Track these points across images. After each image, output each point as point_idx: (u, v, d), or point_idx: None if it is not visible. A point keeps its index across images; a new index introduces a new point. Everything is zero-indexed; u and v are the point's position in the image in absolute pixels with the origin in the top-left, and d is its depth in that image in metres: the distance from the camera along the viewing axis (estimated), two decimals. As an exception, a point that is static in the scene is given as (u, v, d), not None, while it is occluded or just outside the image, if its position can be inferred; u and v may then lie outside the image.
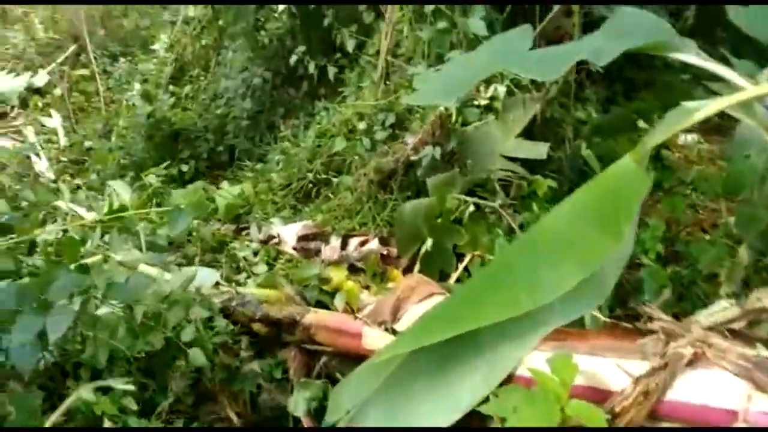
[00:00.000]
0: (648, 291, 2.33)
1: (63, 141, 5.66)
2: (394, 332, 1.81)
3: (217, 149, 4.47)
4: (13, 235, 1.90)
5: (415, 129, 3.11)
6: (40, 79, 6.24)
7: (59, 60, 6.31)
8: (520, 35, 1.71)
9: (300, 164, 3.81)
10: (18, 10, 6.62)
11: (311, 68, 3.83)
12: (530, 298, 1.07)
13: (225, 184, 4.01)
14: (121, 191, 1.87)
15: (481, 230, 2.46)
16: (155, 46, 5.83)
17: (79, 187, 5.10)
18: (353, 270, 2.68)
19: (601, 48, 1.49)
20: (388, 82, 3.52)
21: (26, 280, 1.97)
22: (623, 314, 2.33)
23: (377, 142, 3.36)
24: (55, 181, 5.12)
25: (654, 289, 2.28)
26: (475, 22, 3.18)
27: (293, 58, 3.80)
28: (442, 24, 3.25)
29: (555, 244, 1.21)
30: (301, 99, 4.57)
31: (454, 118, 2.94)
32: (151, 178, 3.49)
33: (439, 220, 2.45)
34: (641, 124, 2.98)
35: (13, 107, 6.06)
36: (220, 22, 5.27)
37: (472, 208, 2.48)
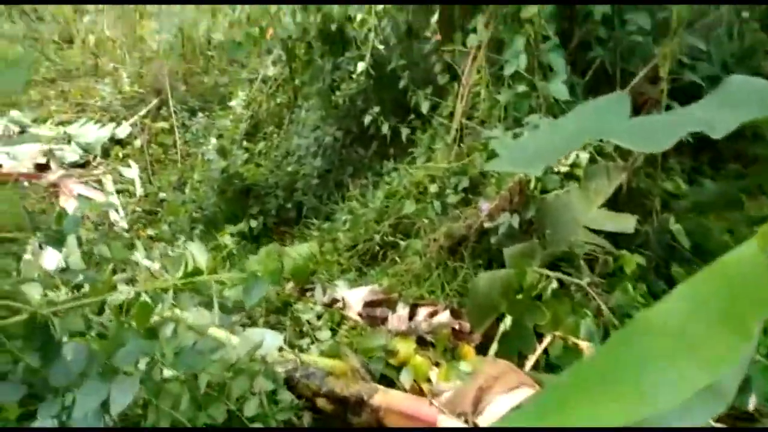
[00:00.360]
0: (756, 390, 2.06)
1: (139, 191, 5.84)
2: (474, 426, 1.63)
3: (286, 206, 4.48)
4: (85, 294, 1.87)
5: (490, 194, 2.98)
6: (123, 130, 6.55)
7: (142, 113, 6.61)
8: (616, 102, 1.58)
9: (367, 225, 3.73)
10: (109, 64, 7.04)
11: (384, 129, 3.80)
12: (646, 402, 0.91)
13: (292, 243, 3.99)
14: (197, 253, 1.81)
15: (564, 309, 2.27)
16: (232, 103, 6.00)
17: (151, 238, 5.22)
18: (422, 343, 2.53)
19: (714, 119, 1.34)
20: (461, 145, 3.43)
21: (94, 339, 1.93)
22: (725, 414, 2.07)
23: (449, 206, 3.25)
24: (128, 230, 5.26)
25: (764, 390, 2.01)
26: (557, 86, 3.07)
27: (367, 119, 3.79)
28: (521, 87, 3.16)
29: (671, 340, 1.04)
30: (370, 158, 4.55)
31: (532, 184, 2.80)
32: (226, 239, 3.48)
33: (520, 296, 2.28)
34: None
35: (95, 156, 6.34)
36: (296, 81, 5.39)
37: (555, 284, 2.30)
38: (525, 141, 1.89)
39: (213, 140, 5.42)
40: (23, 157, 6.09)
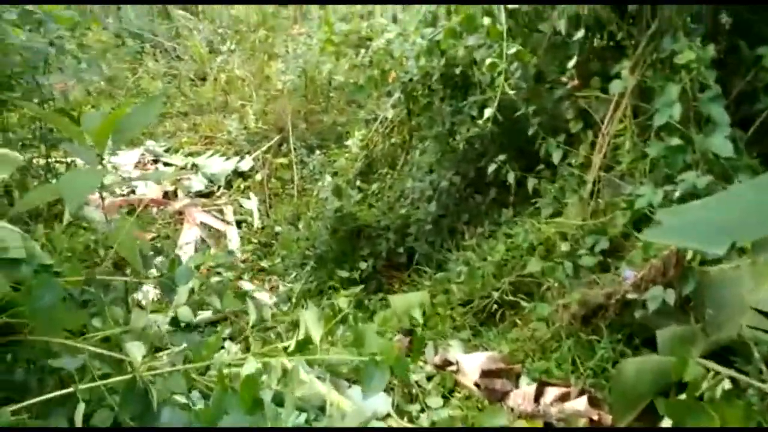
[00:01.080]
0: None
1: (257, 223, 5.91)
2: None
3: (397, 250, 4.26)
4: (189, 358, 1.72)
5: (635, 261, 2.56)
6: (246, 163, 6.72)
7: (264, 148, 6.75)
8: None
9: (485, 280, 3.41)
10: (237, 101, 7.32)
11: (510, 178, 3.49)
12: None
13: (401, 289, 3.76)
14: (310, 322, 1.60)
15: (735, 415, 1.82)
16: (348, 142, 5.96)
17: (264, 270, 5.22)
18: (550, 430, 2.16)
19: None
20: (599, 200, 3.04)
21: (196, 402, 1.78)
22: None
23: (582, 269, 2.86)
24: (244, 261, 5.29)
25: None
26: (720, 140, 2.63)
27: (491, 167, 3.50)
28: (674, 140, 2.75)
29: None
30: (488, 206, 4.24)
31: (690, 254, 2.37)
32: (342, 302, 3.32)
33: (682, 396, 1.86)
34: None
35: (219, 187, 6.53)
36: (413, 123, 5.24)
37: (727, 384, 1.86)
38: (695, 210, 1.51)
39: (328, 178, 5.37)
40: (155, 185, 6.40)
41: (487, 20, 3.24)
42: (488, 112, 3.12)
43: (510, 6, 3.28)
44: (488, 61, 3.26)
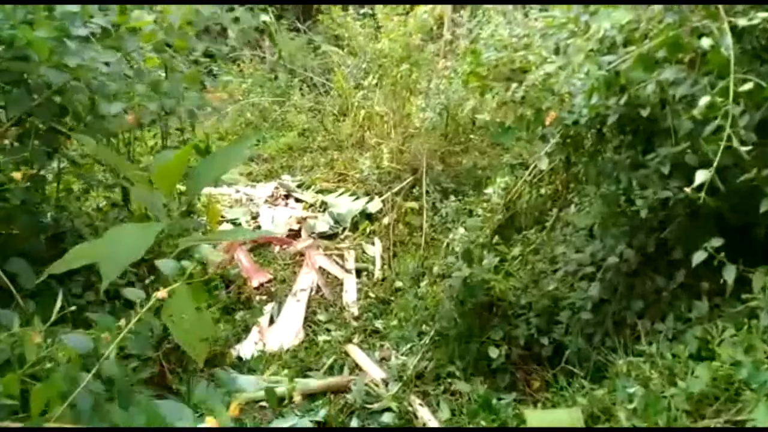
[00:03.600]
0: None
1: (377, 273, 5.13)
2: None
3: (540, 339, 3.19)
4: None
5: None
6: (375, 205, 6.03)
7: (395, 189, 6.02)
8: None
9: (671, 416, 2.24)
10: (373, 139, 6.70)
11: (729, 276, 2.30)
12: None
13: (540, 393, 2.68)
14: None
15: None
16: (488, 190, 5.00)
17: (377, 332, 4.39)
18: None
19: None
20: None
21: None
22: None
23: None
24: (357, 318, 4.51)
25: None
26: None
27: (699, 255, 2.32)
28: None
29: None
30: (672, 294, 3.02)
31: None
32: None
33: None
34: None
35: (344, 228, 5.89)
36: (572, 171, 4.14)
37: None
38: None
39: (461, 230, 4.43)
40: (280, 222, 5.92)
41: (706, 42, 2.15)
42: (702, 176, 2.00)
43: (741, 22, 2.16)
44: (703, 100, 2.15)
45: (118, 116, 2.32)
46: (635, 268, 3.15)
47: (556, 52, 3.35)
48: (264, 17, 3.21)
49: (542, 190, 4.71)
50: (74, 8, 2.15)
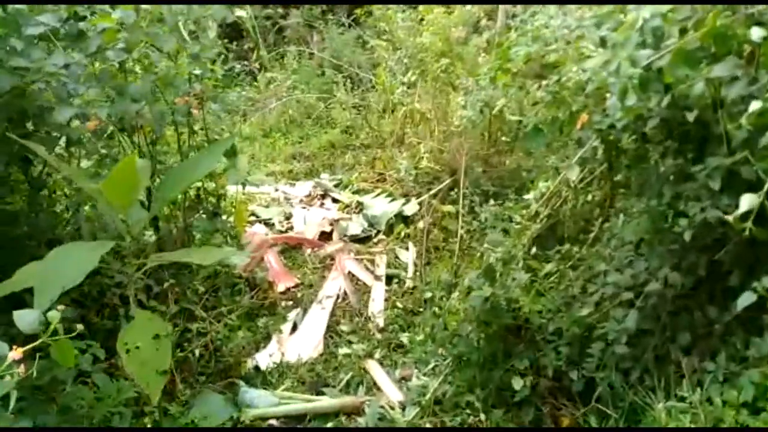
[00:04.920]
0: None
1: (408, 282, 4.86)
2: None
3: (569, 372, 2.82)
4: None
5: None
6: (411, 207, 5.75)
7: (432, 191, 5.71)
8: None
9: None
10: (413, 138, 6.40)
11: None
12: None
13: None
14: None
15: None
16: (528, 196, 4.60)
17: (401, 346, 4.12)
18: None
19: None
20: None
21: None
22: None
23: None
24: (382, 330, 4.26)
25: None
26: None
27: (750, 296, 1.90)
28: None
29: None
30: (725, 328, 2.58)
31: None
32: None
33: None
34: None
35: (378, 232, 5.65)
36: (618, 177, 3.70)
37: None
38: None
39: (495, 238, 4.08)
40: (313, 223, 5.76)
41: (757, 34, 1.73)
42: (748, 202, 1.60)
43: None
44: (754, 105, 1.74)
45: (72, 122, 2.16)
46: (682, 295, 2.72)
47: (603, 44, 2.94)
48: (240, 13, 2.99)
49: (589, 197, 4.27)
50: (24, 7, 2.02)
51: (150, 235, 4.22)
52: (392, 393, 3.48)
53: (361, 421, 3.24)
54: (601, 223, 3.79)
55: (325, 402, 3.40)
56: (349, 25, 9.22)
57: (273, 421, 3.31)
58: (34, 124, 2.18)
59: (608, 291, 2.93)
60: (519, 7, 5.94)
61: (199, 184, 4.65)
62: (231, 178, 4.52)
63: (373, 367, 3.78)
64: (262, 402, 3.41)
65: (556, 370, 2.88)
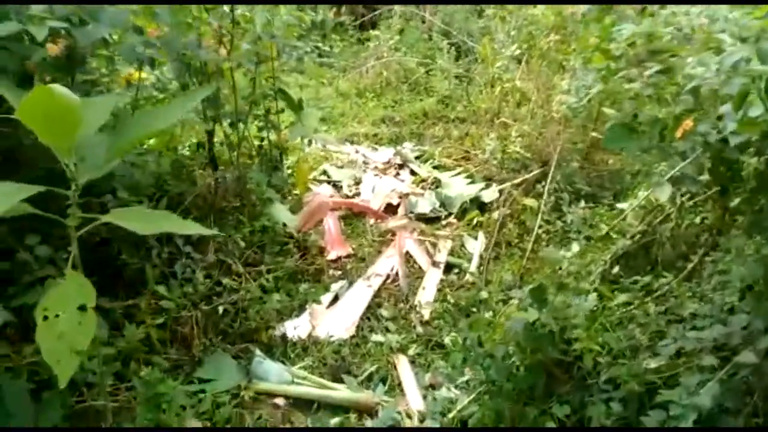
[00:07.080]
0: None
1: (467, 276, 4.38)
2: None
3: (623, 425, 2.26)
4: None
5: None
6: (490, 194, 5.20)
7: (517, 180, 5.11)
8: None
9: None
10: (508, 118, 5.75)
11: None
12: None
13: None
14: None
15: None
16: (623, 205, 3.94)
17: (440, 346, 3.69)
18: None
19: None
20: None
21: None
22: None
23: None
24: (425, 324, 3.85)
25: None
26: None
27: None
28: None
29: None
30: None
31: None
32: None
33: None
34: None
35: (449, 214, 5.18)
36: (730, 204, 2.96)
37: None
38: None
39: (575, 247, 3.50)
40: (381, 193, 5.39)
41: None
42: None
43: None
44: None
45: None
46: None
47: (742, 39, 2.22)
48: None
49: (697, 218, 3.54)
50: None
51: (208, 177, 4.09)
52: (414, 400, 3.10)
53: (370, 425, 2.90)
54: (703, 254, 3.10)
55: (338, 394, 3.09)
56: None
57: (279, 400, 3.06)
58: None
59: (688, 345, 2.30)
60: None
61: (264, 134, 4.43)
62: (294, 133, 4.26)
63: (403, 365, 3.40)
64: (274, 376, 3.17)
65: (604, 419, 2.33)
